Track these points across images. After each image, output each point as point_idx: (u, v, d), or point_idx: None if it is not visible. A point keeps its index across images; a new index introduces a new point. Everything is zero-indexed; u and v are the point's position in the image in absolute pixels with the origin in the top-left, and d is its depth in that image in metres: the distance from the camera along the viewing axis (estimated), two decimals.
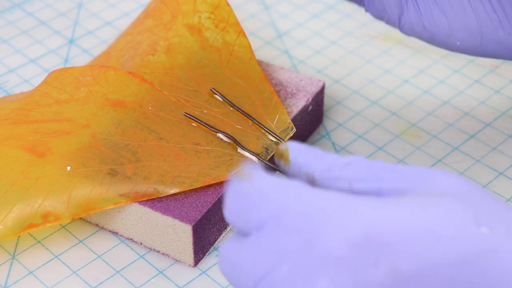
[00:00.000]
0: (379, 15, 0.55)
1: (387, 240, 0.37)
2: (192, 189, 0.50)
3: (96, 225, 0.52)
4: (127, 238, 0.52)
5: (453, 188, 0.39)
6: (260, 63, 0.59)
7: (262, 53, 0.66)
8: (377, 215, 0.37)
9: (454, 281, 0.36)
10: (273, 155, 0.52)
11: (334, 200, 0.38)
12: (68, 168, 0.50)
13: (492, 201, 0.38)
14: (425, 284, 0.36)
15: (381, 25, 0.69)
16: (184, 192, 0.50)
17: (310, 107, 0.56)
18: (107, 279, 0.50)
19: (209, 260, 0.51)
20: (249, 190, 0.39)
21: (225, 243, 0.40)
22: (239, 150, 0.51)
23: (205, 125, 0.52)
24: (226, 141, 0.52)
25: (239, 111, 0.54)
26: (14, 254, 0.51)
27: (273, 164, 0.51)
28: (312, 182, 0.41)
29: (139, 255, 0.51)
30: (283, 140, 0.52)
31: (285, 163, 0.42)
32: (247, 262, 0.39)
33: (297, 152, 0.42)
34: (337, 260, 0.37)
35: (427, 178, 0.39)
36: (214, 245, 0.51)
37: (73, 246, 0.51)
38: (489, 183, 0.55)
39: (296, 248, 0.38)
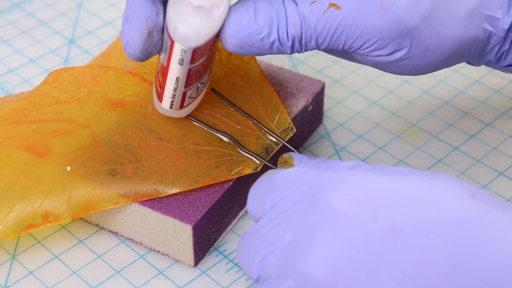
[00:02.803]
0: None
1: (386, 199, 0.39)
2: (192, 189, 0.50)
3: (96, 225, 0.52)
4: (127, 238, 0.52)
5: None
6: (260, 63, 0.59)
7: None
8: (377, 180, 0.39)
9: (448, 242, 0.37)
10: (271, 157, 0.52)
11: (337, 171, 0.41)
12: (68, 168, 0.50)
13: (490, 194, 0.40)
14: (419, 242, 0.37)
15: None
16: (184, 192, 0.50)
17: (310, 107, 0.56)
18: (107, 279, 0.50)
19: (209, 260, 0.51)
20: (268, 179, 0.43)
21: (242, 234, 0.43)
22: (239, 150, 0.51)
23: (205, 126, 0.52)
24: (226, 141, 0.52)
25: (239, 111, 0.54)
26: (14, 254, 0.51)
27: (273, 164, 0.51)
28: None
29: (139, 255, 0.51)
30: (283, 140, 0.52)
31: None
32: (258, 237, 0.41)
33: (301, 159, 0.44)
34: (337, 215, 0.38)
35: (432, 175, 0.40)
36: (214, 245, 0.51)
37: (73, 246, 0.51)
38: (489, 183, 0.55)
39: (300, 214, 0.40)
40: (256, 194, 0.43)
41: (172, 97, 0.50)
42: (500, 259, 0.36)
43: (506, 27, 0.48)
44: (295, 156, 0.46)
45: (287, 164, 0.46)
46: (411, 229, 0.37)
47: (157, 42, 0.47)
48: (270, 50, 0.48)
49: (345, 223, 0.38)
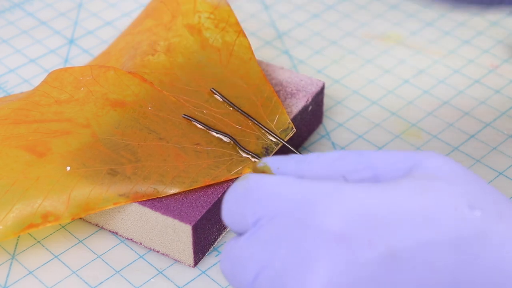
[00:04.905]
0: None
1: (382, 220, 0.37)
2: (192, 189, 0.50)
3: (96, 225, 0.52)
4: (127, 238, 0.52)
5: (446, 171, 0.39)
6: (260, 63, 0.59)
7: (262, 53, 0.66)
8: (372, 196, 0.37)
9: (447, 262, 0.36)
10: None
11: (327, 185, 0.38)
12: (68, 168, 0.50)
13: (483, 184, 0.39)
14: (418, 264, 0.36)
15: (381, 25, 0.69)
16: (184, 192, 0.50)
17: (310, 107, 0.56)
18: (107, 279, 0.50)
19: (209, 260, 0.51)
20: (245, 189, 0.40)
21: (225, 245, 0.40)
22: (239, 150, 0.51)
23: (205, 127, 0.52)
24: (226, 141, 0.52)
25: (239, 111, 0.54)
26: (14, 254, 0.51)
27: None
28: None
29: (139, 255, 0.51)
30: (283, 140, 0.52)
31: None
32: (245, 256, 0.39)
33: (278, 164, 0.42)
34: (332, 238, 0.37)
35: (421, 162, 0.39)
36: (214, 245, 0.51)
37: (73, 246, 0.51)
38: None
39: (291, 232, 0.38)
40: (232, 205, 0.40)
41: None
42: (498, 275, 0.36)
43: None
44: (270, 162, 0.43)
45: (265, 174, 0.44)
46: (409, 252, 0.36)
47: None
48: None
49: (340, 248, 0.36)
